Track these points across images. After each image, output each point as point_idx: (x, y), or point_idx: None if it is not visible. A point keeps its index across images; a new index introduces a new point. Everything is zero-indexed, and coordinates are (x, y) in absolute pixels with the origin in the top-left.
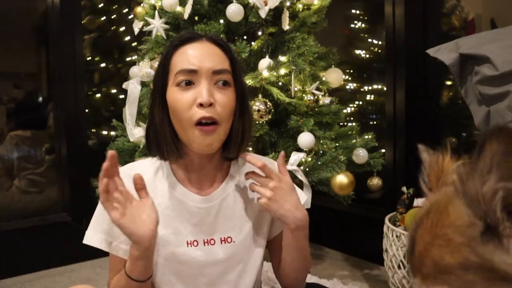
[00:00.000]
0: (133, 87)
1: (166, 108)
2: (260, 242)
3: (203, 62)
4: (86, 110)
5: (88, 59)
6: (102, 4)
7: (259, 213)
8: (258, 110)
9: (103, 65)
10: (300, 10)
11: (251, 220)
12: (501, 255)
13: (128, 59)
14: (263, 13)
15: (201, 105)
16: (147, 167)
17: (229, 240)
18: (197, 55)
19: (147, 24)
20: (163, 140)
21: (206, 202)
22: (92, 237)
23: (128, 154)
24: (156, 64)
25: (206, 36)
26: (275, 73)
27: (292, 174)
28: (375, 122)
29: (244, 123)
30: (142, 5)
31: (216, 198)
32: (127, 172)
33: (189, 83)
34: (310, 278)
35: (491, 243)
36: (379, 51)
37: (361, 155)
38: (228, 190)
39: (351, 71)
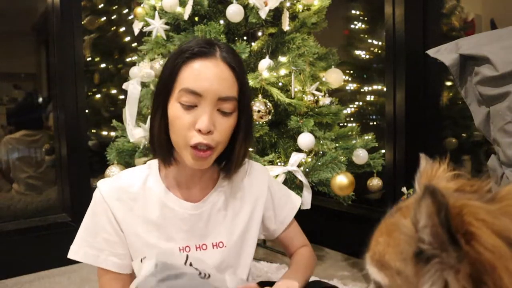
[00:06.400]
0: (133, 88)
1: (166, 118)
2: (250, 244)
3: (211, 85)
4: (86, 111)
5: (88, 59)
6: (102, 5)
7: (249, 215)
8: (258, 111)
9: (103, 65)
10: (300, 10)
11: (242, 223)
12: (425, 284)
13: (128, 59)
14: (263, 14)
15: (199, 130)
16: (135, 176)
17: (220, 245)
18: (207, 77)
19: (147, 24)
20: (160, 148)
21: (197, 209)
22: (77, 252)
23: (128, 155)
24: (156, 64)
25: (221, 52)
26: (275, 74)
27: (292, 175)
28: (375, 123)
29: (247, 146)
30: (142, 5)
31: (207, 204)
32: (113, 184)
33: (191, 107)
34: (311, 279)
35: (421, 267)
36: (379, 51)
37: (361, 155)
38: (218, 194)
39: (351, 71)
